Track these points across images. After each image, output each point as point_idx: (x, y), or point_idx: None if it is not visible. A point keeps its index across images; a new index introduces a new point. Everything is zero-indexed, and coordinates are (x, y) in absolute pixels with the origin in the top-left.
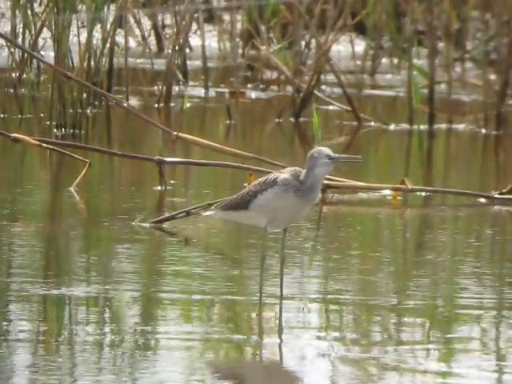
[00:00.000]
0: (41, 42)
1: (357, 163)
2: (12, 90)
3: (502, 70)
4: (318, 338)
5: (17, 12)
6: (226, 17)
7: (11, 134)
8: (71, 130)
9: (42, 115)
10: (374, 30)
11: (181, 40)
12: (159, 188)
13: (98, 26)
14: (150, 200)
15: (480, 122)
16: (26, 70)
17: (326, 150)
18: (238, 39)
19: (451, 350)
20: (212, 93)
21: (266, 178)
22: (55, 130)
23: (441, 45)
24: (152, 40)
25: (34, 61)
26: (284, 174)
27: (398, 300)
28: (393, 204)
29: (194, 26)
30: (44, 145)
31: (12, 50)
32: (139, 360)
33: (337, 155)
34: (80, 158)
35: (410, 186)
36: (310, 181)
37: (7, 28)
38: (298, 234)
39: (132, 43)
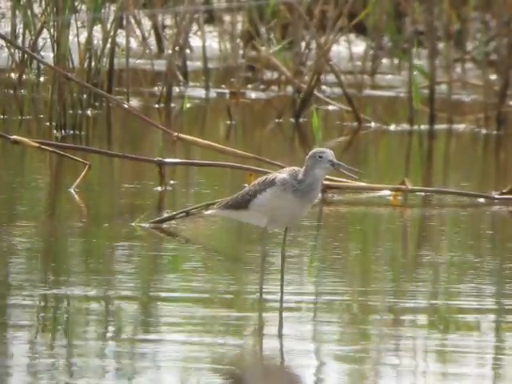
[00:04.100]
0: (41, 42)
1: (356, 172)
2: (12, 91)
3: (502, 70)
4: (319, 337)
5: (17, 12)
6: (227, 17)
7: (11, 137)
8: (71, 131)
9: (41, 116)
10: (374, 30)
11: (181, 41)
12: (159, 188)
13: (99, 26)
14: (149, 200)
15: (480, 122)
16: (25, 71)
17: (330, 155)
18: (238, 40)
19: (451, 350)
20: (212, 93)
21: (265, 177)
22: (55, 131)
23: (441, 45)
24: (152, 41)
25: (34, 62)
26: (282, 174)
27: (397, 299)
28: (393, 204)
29: (195, 27)
30: (44, 147)
31: (12, 50)
32: (139, 360)
33: (339, 163)
34: (80, 160)
35: (410, 186)
36: (308, 180)
37: (7, 28)
38: (298, 233)
39: (132, 44)
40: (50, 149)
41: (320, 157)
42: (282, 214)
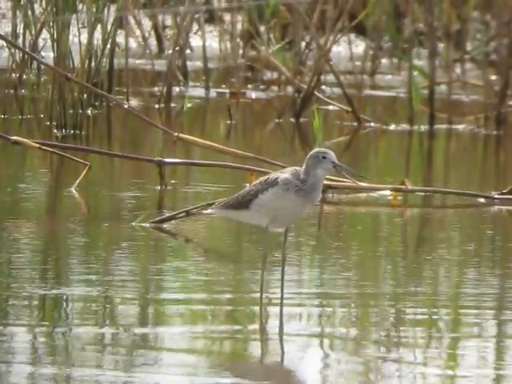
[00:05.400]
0: (41, 42)
1: (358, 176)
2: (12, 91)
3: (502, 70)
4: (319, 337)
5: (17, 12)
6: (227, 17)
7: (11, 137)
8: (71, 131)
9: (42, 116)
10: (374, 30)
11: (181, 41)
12: (159, 188)
13: (99, 26)
14: (150, 200)
15: (480, 122)
16: (26, 71)
17: (333, 156)
18: (238, 40)
19: (451, 350)
20: (212, 93)
21: (266, 177)
22: (55, 131)
23: (441, 45)
24: (152, 41)
25: (35, 61)
26: (285, 174)
27: (398, 299)
28: (393, 204)
29: (195, 27)
30: (44, 148)
31: (12, 50)
32: (140, 360)
33: (342, 165)
34: (80, 160)
35: (409, 187)
36: (311, 180)
37: (8, 29)
38: (299, 233)
39: (132, 44)
40: (50, 149)
41: (324, 157)
42: (283, 214)
